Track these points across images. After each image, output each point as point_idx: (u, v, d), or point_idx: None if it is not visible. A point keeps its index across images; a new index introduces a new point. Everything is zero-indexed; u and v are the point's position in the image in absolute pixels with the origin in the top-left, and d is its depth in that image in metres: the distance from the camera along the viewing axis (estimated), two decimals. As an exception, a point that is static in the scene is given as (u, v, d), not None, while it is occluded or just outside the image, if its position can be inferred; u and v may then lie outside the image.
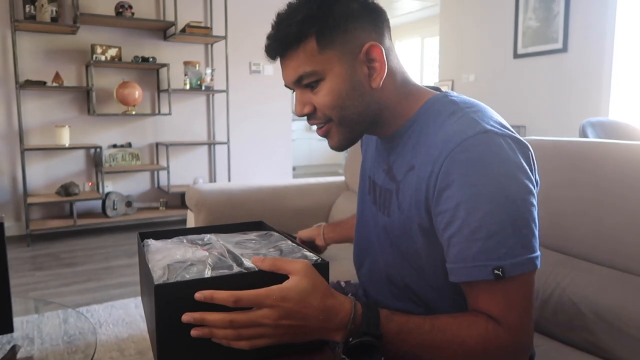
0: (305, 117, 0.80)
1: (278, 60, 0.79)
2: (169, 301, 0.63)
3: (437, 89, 0.86)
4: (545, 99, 4.24)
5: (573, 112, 4.00)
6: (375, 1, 0.78)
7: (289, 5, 0.76)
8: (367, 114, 0.78)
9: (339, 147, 0.81)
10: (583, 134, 2.60)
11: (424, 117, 0.78)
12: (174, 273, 0.68)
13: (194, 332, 0.64)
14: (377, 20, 0.77)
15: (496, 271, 0.65)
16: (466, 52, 5.02)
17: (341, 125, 0.78)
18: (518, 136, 0.72)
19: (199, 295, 0.63)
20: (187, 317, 0.63)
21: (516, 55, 4.44)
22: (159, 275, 0.68)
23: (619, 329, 0.98)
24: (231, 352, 0.65)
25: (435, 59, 6.05)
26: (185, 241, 0.82)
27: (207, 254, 0.74)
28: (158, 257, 0.74)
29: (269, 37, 0.77)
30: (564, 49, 4.03)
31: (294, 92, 0.80)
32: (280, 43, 0.75)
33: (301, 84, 0.77)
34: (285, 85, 0.80)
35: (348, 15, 0.74)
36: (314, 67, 0.74)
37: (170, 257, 0.73)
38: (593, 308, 1.03)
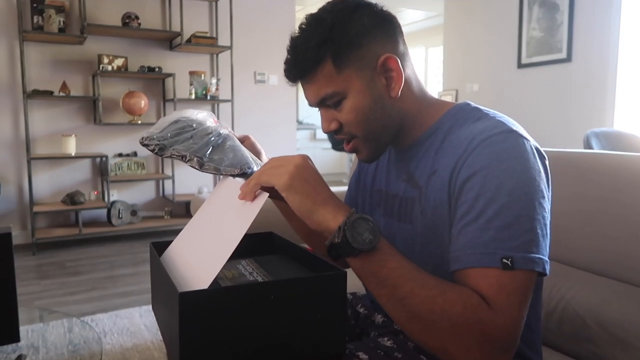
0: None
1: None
2: (194, 310, 0.62)
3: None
4: (549, 109, 4.24)
5: (577, 122, 4.00)
6: (383, 9, 0.79)
7: (302, 29, 0.77)
8: (390, 125, 0.80)
9: (369, 160, 0.84)
10: (587, 144, 2.59)
11: (448, 123, 0.79)
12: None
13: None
14: (389, 29, 0.78)
15: (505, 260, 0.63)
16: (470, 61, 5.03)
17: (367, 141, 0.81)
18: (538, 146, 0.73)
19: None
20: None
21: (520, 65, 4.45)
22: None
23: (624, 340, 0.97)
24: None
25: (440, 69, 6.07)
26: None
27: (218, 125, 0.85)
28: None
29: (287, 63, 0.79)
30: (568, 58, 4.04)
31: (319, 111, 0.82)
32: (298, 69, 0.78)
33: (325, 104, 0.79)
34: (309, 105, 0.83)
35: (360, 32, 0.75)
36: (335, 88, 0.76)
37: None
38: (598, 320, 1.02)
